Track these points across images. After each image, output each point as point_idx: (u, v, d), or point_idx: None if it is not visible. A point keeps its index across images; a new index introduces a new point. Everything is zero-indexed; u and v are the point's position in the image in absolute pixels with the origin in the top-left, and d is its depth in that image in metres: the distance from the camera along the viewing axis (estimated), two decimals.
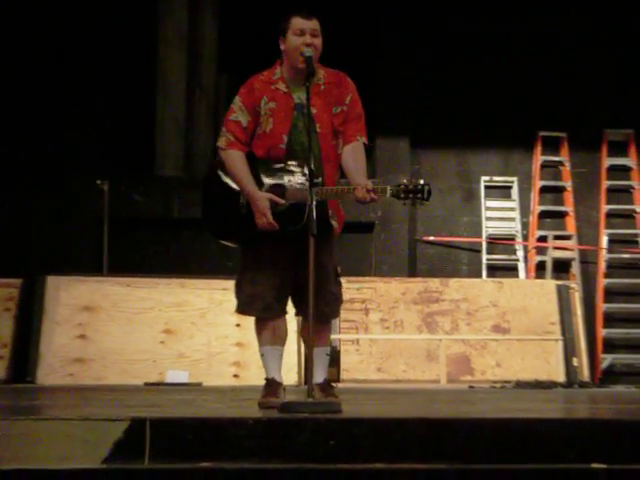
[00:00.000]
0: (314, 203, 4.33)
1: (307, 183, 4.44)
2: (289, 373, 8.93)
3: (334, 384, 4.95)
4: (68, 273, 9.48)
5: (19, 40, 11.26)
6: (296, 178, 4.66)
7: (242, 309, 4.91)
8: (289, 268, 4.78)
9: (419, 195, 4.52)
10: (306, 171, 4.45)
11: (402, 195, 4.52)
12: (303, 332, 4.93)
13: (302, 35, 4.70)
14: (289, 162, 4.71)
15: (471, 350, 9.68)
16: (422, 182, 4.56)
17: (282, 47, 4.80)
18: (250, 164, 4.77)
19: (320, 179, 4.59)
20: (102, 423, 3.51)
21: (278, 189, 4.69)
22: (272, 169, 4.74)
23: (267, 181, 4.73)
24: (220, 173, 4.89)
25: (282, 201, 4.65)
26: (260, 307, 4.82)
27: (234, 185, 4.81)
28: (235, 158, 4.77)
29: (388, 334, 9.70)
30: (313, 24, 4.73)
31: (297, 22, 4.73)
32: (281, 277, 4.80)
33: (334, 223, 4.80)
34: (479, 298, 9.92)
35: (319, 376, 4.86)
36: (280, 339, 4.92)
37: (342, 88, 4.83)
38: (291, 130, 4.74)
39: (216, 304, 9.37)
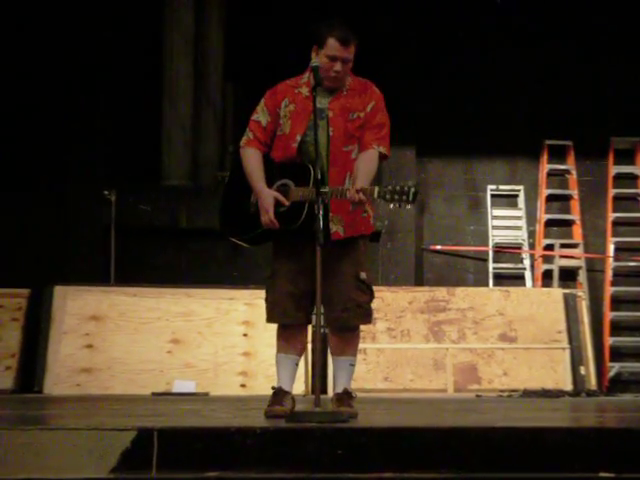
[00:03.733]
0: (321, 212, 4.36)
1: (310, 184, 4.57)
2: (297, 382, 8.90)
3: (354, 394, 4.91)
4: (75, 283, 9.50)
5: (24, 48, 11.29)
6: (299, 179, 4.71)
7: (266, 317, 4.93)
8: (310, 276, 4.74)
9: (404, 197, 4.51)
10: (312, 174, 4.57)
11: (388, 197, 4.53)
12: (328, 341, 4.95)
13: (334, 61, 4.72)
14: (294, 164, 4.77)
15: (478, 359, 9.67)
16: (410, 184, 4.56)
17: (313, 56, 4.79)
18: (266, 165, 4.84)
19: (327, 189, 4.61)
20: (109, 433, 3.51)
21: (283, 189, 4.75)
22: (280, 171, 4.80)
23: (276, 182, 4.79)
24: (238, 173, 4.95)
25: (286, 202, 4.71)
26: (278, 314, 4.85)
27: (248, 184, 4.86)
28: (250, 155, 4.87)
29: (395, 343, 9.70)
30: (348, 52, 4.74)
31: (333, 46, 4.72)
32: (302, 285, 4.80)
33: (335, 227, 4.76)
34: (486, 307, 9.91)
35: (339, 386, 4.88)
36: (294, 348, 4.92)
37: (365, 96, 4.86)
38: (306, 132, 4.78)
39: (223, 314, 9.38)
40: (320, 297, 4.43)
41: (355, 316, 4.85)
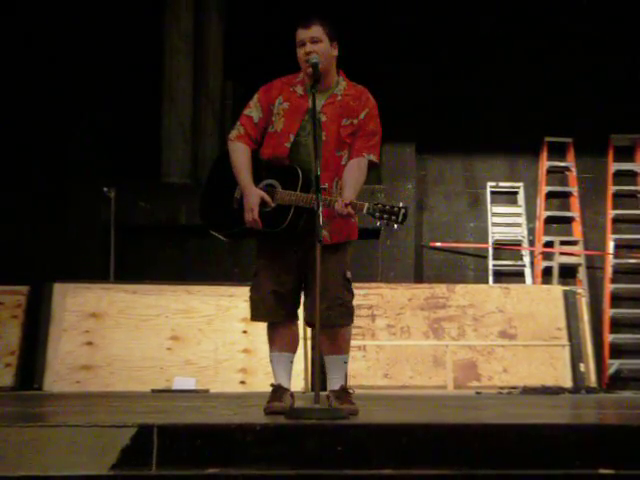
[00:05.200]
0: (320, 210, 4.35)
1: (298, 189, 4.58)
2: (296, 379, 8.93)
3: (351, 390, 4.90)
4: (75, 280, 9.49)
5: (23, 47, 11.29)
6: (287, 182, 4.70)
7: (251, 315, 4.97)
8: (295, 274, 4.81)
9: (393, 217, 4.52)
10: (302, 177, 4.60)
11: (377, 214, 4.53)
12: (317, 339, 4.92)
13: (303, 45, 4.75)
14: (284, 165, 4.76)
15: (478, 356, 9.68)
16: (401, 205, 4.56)
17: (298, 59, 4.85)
18: (253, 163, 4.82)
19: (326, 185, 4.61)
20: (109, 430, 3.51)
21: (269, 190, 4.74)
22: (268, 170, 4.79)
23: (263, 181, 4.78)
24: (223, 165, 4.93)
25: (272, 203, 4.70)
26: (263, 312, 4.87)
27: (233, 178, 4.84)
28: (239, 150, 4.84)
29: (395, 340, 9.70)
30: (312, 31, 4.75)
31: (298, 33, 4.78)
32: (286, 284, 4.82)
33: (324, 231, 4.75)
34: (486, 304, 9.92)
35: (335, 384, 4.87)
36: (288, 345, 4.94)
37: (359, 103, 4.85)
38: (298, 132, 4.78)
39: (223, 311, 9.39)
40: (319, 294, 4.40)
41: (339, 315, 4.84)
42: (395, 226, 4.56)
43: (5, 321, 9.33)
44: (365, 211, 4.55)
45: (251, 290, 4.93)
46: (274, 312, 4.85)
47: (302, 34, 4.75)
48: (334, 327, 4.84)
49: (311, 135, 4.60)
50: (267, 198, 4.70)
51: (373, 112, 4.87)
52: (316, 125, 4.56)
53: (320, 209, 4.36)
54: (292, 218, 4.64)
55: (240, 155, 4.83)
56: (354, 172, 4.75)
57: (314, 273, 4.44)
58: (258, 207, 4.68)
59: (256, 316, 4.93)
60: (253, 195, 4.70)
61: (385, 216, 4.52)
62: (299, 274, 4.82)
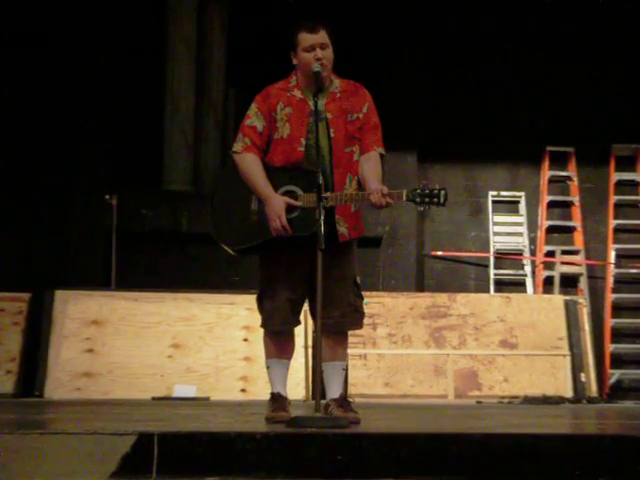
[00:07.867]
0: (322, 217, 4.34)
1: (322, 192, 4.49)
2: (297, 387, 8.92)
3: (350, 399, 4.88)
4: (76, 287, 9.51)
5: (26, 54, 11.31)
6: (308, 185, 4.64)
7: (264, 324, 4.89)
8: (304, 280, 4.76)
9: (435, 200, 4.54)
10: (318, 180, 4.50)
11: (418, 199, 4.54)
12: (319, 346, 4.90)
13: (312, 50, 4.70)
14: (301, 170, 4.72)
15: (479, 365, 9.67)
16: (438, 186, 4.60)
17: (294, 62, 4.80)
18: (265, 171, 4.76)
19: (328, 193, 4.59)
20: (110, 437, 3.50)
21: (290, 195, 4.68)
22: (284, 177, 4.73)
23: (280, 188, 4.72)
24: (231, 180, 4.87)
25: (298, 203, 4.63)
26: (279, 321, 4.81)
27: (245, 191, 4.78)
28: (251, 161, 4.76)
29: (396, 349, 9.70)
30: (321, 37, 4.73)
31: (305, 38, 4.72)
32: (296, 290, 4.79)
33: (340, 229, 4.76)
34: (487, 313, 9.91)
35: (335, 391, 4.83)
36: (287, 352, 4.91)
37: (358, 97, 4.84)
38: (307, 135, 4.73)
39: (224, 318, 9.38)
40: (321, 300, 4.39)
41: (353, 320, 4.85)
42: (437, 207, 4.63)
43: (6, 328, 9.33)
44: (404, 197, 4.56)
45: (263, 299, 4.86)
46: (289, 320, 4.82)
47: (311, 39, 4.71)
48: (343, 333, 4.84)
49: (319, 137, 4.58)
50: (292, 201, 4.63)
51: (372, 105, 4.87)
52: (318, 126, 4.55)
53: (322, 216, 4.36)
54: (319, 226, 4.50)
55: (253, 166, 4.75)
56: (374, 165, 4.75)
57: (328, 278, 4.43)
58: (284, 213, 4.62)
59: (271, 325, 4.84)
60: (278, 202, 4.63)
61: (426, 199, 4.56)
62: (310, 281, 4.78)
